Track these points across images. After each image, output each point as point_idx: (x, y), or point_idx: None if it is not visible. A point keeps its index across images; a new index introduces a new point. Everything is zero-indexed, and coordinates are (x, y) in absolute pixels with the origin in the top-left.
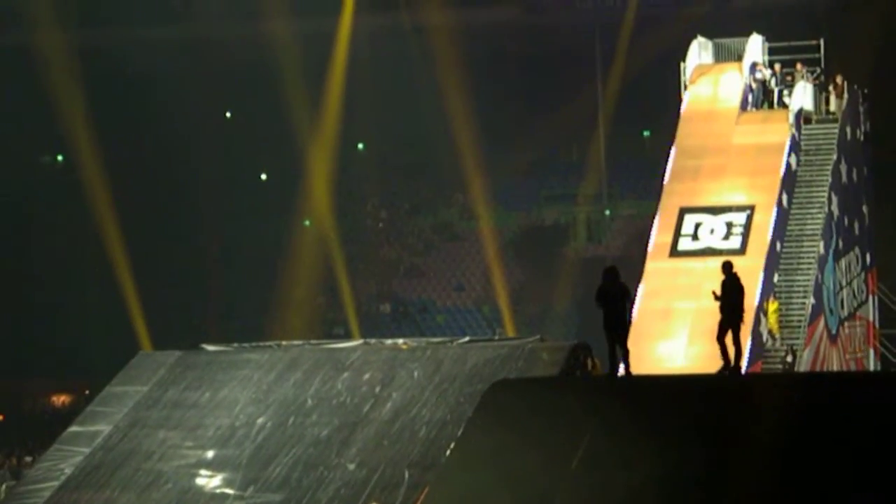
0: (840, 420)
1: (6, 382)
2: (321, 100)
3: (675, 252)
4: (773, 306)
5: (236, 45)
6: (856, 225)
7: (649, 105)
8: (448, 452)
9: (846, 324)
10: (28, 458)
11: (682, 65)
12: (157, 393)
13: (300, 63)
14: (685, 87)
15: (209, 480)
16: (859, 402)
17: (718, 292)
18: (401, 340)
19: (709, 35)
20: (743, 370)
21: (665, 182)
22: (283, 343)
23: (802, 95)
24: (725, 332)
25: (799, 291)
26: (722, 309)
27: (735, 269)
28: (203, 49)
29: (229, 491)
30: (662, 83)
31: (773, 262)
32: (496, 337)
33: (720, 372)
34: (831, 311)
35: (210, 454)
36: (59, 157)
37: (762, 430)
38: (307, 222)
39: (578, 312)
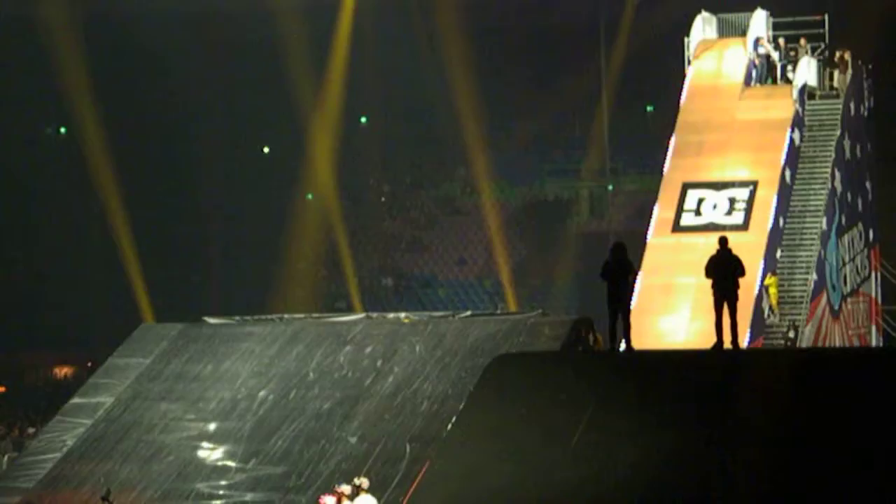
0: (841, 396)
1: (9, 354)
2: (324, 73)
3: (677, 227)
4: (768, 281)
5: (240, 18)
6: (859, 201)
7: (653, 80)
8: (449, 427)
9: (849, 300)
10: (31, 430)
11: (685, 40)
12: (160, 365)
13: (303, 36)
14: (689, 62)
15: (211, 453)
16: (861, 379)
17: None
18: (403, 314)
19: (713, 10)
20: (741, 346)
21: (668, 157)
22: (286, 316)
23: (806, 71)
24: (721, 307)
25: (801, 267)
26: (713, 285)
27: (730, 245)
28: (207, 21)
29: (231, 463)
30: (666, 58)
31: (775, 237)
32: (498, 311)
33: (711, 349)
34: (834, 287)
35: (212, 427)
36: (62, 129)
37: (763, 404)
38: (310, 195)
39: (580, 287)
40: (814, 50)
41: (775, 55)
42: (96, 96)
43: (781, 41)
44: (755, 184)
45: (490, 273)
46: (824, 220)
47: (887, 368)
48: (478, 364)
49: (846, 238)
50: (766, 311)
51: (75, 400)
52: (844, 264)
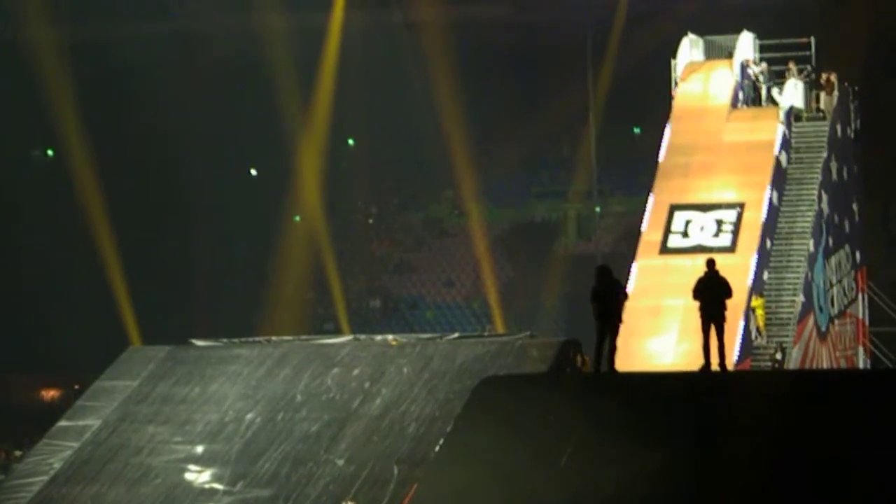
0: (829, 418)
1: None
2: (311, 95)
3: (665, 249)
4: (755, 302)
5: (227, 40)
6: (846, 223)
7: (640, 102)
8: (437, 449)
9: (836, 321)
10: (17, 453)
11: (672, 62)
12: (147, 388)
13: (291, 58)
14: (676, 84)
15: (198, 475)
16: (848, 400)
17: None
18: (390, 336)
19: (699, 32)
20: (728, 368)
21: (655, 179)
22: (273, 338)
23: (793, 93)
24: (708, 329)
25: (788, 289)
26: (700, 307)
27: (717, 267)
28: (194, 44)
29: (218, 486)
30: (653, 80)
31: (763, 259)
32: (485, 333)
33: (699, 371)
34: (821, 308)
35: (199, 449)
36: (49, 151)
37: (750, 426)
38: (297, 218)
39: (568, 309)
40: (800, 72)
41: (761, 77)
42: (83, 119)
43: (764, 65)
44: (742, 205)
45: (477, 295)
46: (811, 241)
47: (874, 390)
48: (465, 386)
49: (833, 260)
50: (754, 333)
51: (62, 423)
52: (832, 286)
